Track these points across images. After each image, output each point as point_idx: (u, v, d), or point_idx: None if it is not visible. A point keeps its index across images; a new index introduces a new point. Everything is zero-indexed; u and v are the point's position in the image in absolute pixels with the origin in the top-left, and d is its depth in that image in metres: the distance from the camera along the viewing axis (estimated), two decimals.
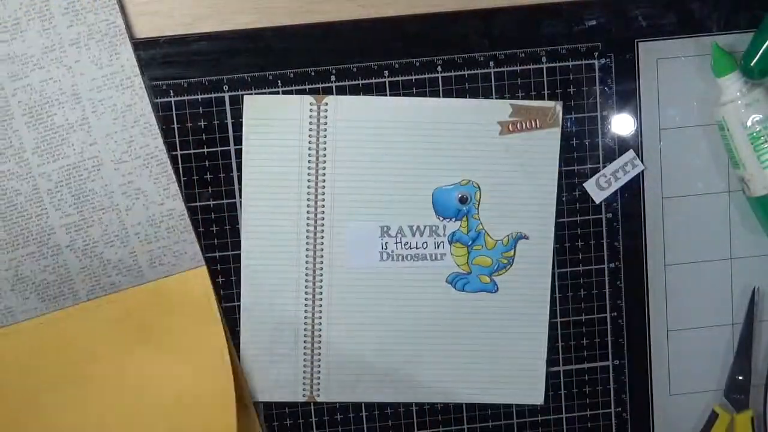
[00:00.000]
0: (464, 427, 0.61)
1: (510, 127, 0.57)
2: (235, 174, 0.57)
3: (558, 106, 0.57)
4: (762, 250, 0.61)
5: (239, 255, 0.58)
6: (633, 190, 0.60)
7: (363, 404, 0.60)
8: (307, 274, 0.57)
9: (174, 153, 0.57)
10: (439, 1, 0.57)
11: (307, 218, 0.56)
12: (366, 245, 0.57)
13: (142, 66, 0.56)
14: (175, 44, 0.56)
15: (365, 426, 0.60)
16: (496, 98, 0.57)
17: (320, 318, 0.58)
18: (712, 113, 0.59)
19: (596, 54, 0.59)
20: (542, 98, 0.58)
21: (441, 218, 0.58)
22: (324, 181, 0.56)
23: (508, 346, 0.59)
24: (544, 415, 0.61)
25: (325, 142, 0.55)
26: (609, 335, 0.61)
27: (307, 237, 0.56)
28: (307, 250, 0.57)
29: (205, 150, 0.57)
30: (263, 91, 0.57)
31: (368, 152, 0.56)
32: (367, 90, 0.57)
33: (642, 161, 0.59)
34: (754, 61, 0.57)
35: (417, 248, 0.57)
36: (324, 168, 0.56)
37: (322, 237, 0.57)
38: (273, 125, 0.56)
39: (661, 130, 0.59)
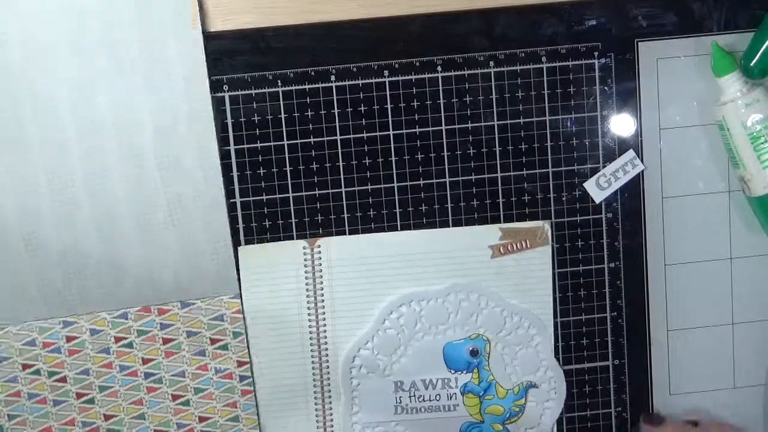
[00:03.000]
0: None
1: (501, 249, 0.58)
2: (235, 174, 0.57)
3: (546, 225, 0.58)
4: (762, 250, 0.61)
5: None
6: (633, 190, 0.60)
7: None
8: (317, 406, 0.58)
9: None
10: (439, 1, 0.57)
11: (314, 381, 0.57)
12: (380, 401, 0.58)
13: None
14: None
15: None
16: (484, 223, 0.58)
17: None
18: (712, 113, 0.59)
19: (596, 54, 0.59)
20: (542, 99, 0.58)
21: (452, 371, 0.58)
22: (325, 324, 0.57)
23: None
24: None
25: (322, 289, 0.56)
26: (609, 335, 0.61)
27: (315, 396, 0.57)
28: (316, 408, 0.58)
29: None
30: (263, 90, 0.57)
31: (379, 317, 0.58)
32: (367, 89, 0.57)
33: (642, 161, 0.59)
34: (754, 61, 0.57)
35: (430, 401, 0.59)
36: (323, 307, 0.57)
37: (330, 398, 0.58)
38: (270, 273, 0.56)
39: (661, 130, 0.59)
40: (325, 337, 0.56)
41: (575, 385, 0.61)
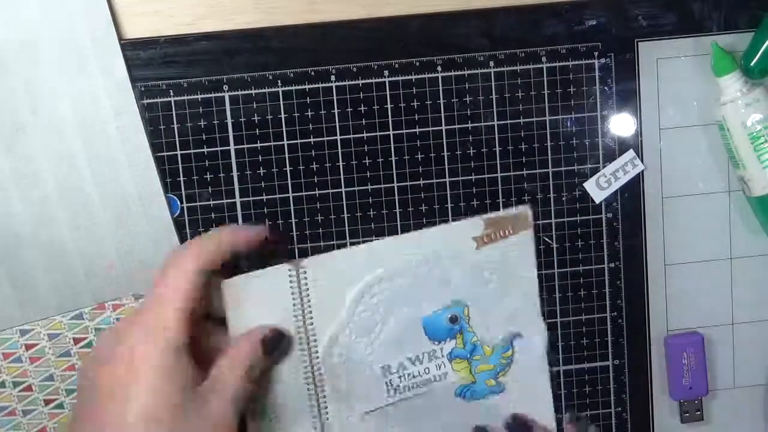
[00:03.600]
0: None
1: (485, 239, 0.58)
2: (235, 174, 0.58)
3: (528, 210, 0.58)
4: (762, 250, 0.61)
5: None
6: (633, 190, 0.60)
7: None
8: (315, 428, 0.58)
9: (174, 153, 0.57)
10: (439, 1, 0.57)
11: (305, 374, 0.56)
12: (371, 387, 0.58)
13: (143, 66, 0.56)
14: (175, 44, 0.56)
15: None
16: (464, 217, 0.57)
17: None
18: (712, 113, 0.59)
19: (596, 54, 0.59)
20: (542, 99, 0.58)
21: (436, 342, 0.58)
22: (315, 339, 0.56)
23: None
24: None
25: (310, 307, 0.56)
26: (609, 335, 0.61)
27: (308, 391, 0.57)
28: (311, 406, 0.57)
29: (205, 150, 0.57)
30: (263, 90, 0.57)
31: (351, 302, 0.57)
32: (367, 89, 0.57)
33: (642, 161, 0.59)
34: (754, 61, 0.57)
35: (420, 376, 0.58)
36: (313, 327, 0.56)
37: (324, 390, 0.57)
38: (256, 303, 0.54)
39: (661, 130, 0.59)
40: (317, 353, 0.56)
41: (575, 385, 0.61)
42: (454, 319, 0.58)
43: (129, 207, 0.56)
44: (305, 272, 0.55)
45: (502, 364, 0.59)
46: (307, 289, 0.55)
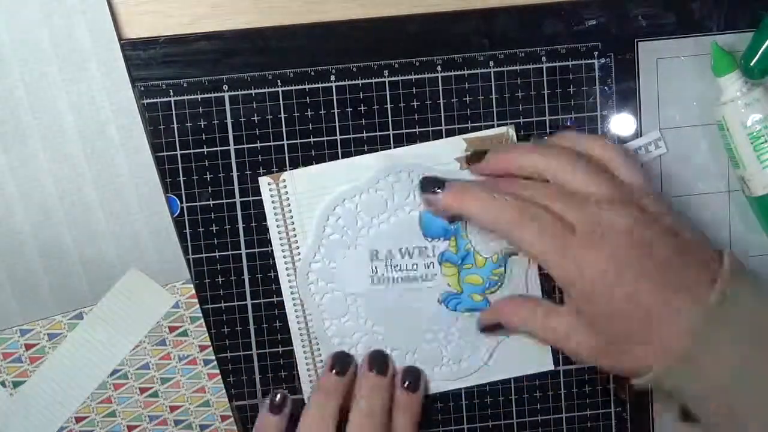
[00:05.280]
0: (464, 427, 0.61)
1: (468, 160, 0.57)
2: (235, 174, 0.58)
3: (510, 130, 0.58)
4: (762, 250, 0.61)
5: (240, 254, 0.58)
6: None
7: None
8: (301, 331, 0.58)
9: (174, 153, 0.57)
10: (438, 1, 0.57)
11: (284, 255, 0.58)
12: (356, 270, 0.58)
13: (143, 66, 0.56)
14: (175, 44, 0.56)
15: None
16: (449, 136, 0.58)
17: (318, 346, 0.59)
18: (712, 113, 0.59)
19: (596, 54, 0.59)
20: (542, 99, 0.58)
21: (429, 239, 0.58)
22: (298, 247, 0.57)
23: (504, 351, 0.60)
24: (544, 415, 0.61)
25: (291, 216, 0.57)
26: None
27: (293, 298, 0.58)
28: (296, 310, 0.58)
29: (205, 150, 0.57)
30: (263, 90, 0.57)
31: (336, 211, 0.57)
32: (367, 90, 0.57)
33: (642, 161, 0.59)
34: (754, 60, 0.57)
35: (407, 270, 0.58)
36: (296, 236, 0.57)
37: (308, 273, 0.58)
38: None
39: (661, 130, 0.59)
40: (299, 234, 0.57)
41: (575, 385, 0.61)
42: (453, 219, 0.57)
43: (129, 208, 0.56)
44: (285, 184, 0.56)
45: (492, 280, 0.58)
46: (288, 200, 0.56)
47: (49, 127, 0.55)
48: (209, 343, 0.58)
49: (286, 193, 0.57)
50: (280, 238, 0.57)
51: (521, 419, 0.61)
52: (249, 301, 0.59)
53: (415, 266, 0.57)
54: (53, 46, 0.54)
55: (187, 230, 0.58)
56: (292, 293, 0.58)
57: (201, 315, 0.58)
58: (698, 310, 0.46)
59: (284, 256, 0.57)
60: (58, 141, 0.55)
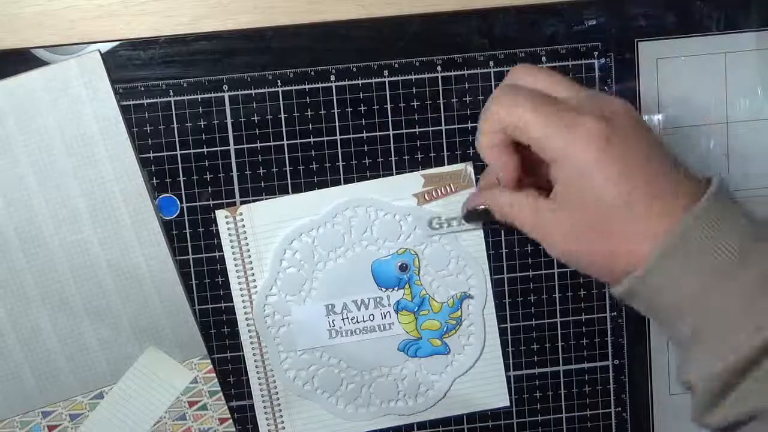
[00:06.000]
0: (464, 426, 0.61)
1: (426, 196, 0.58)
2: (235, 174, 0.58)
3: (469, 167, 0.58)
4: None
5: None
6: None
7: None
8: (257, 364, 0.59)
9: (174, 153, 0.57)
10: (438, 1, 0.57)
11: (242, 297, 0.58)
12: (313, 326, 0.58)
13: (143, 66, 0.56)
14: (175, 44, 0.56)
15: None
16: (406, 172, 0.58)
17: (278, 401, 0.59)
18: (711, 113, 0.58)
19: (596, 54, 0.59)
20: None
21: (383, 289, 0.58)
22: (254, 280, 0.58)
23: (464, 391, 0.60)
24: (544, 414, 0.61)
25: (248, 249, 0.57)
26: (609, 335, 0.61)
27: (249, 330, 0.58)
28: (252, 343, 0.59)
29: (205, 150, 0.57)
30: (263, 90, 0.57)
31: (293, 245, 0.58)
32: (367, 89, 0.57)
33: None
34: None
35: (364, 321, 0.58)
36: (252, 269, 0.58)
37: (268, 326, 0.58)
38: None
39: (661, 130, 0.59)
40: (255, 286, 0.58)
41: (575, 385, 0.61)
42: (403, 268, 0.58)
43: (144, 288, 0.57)
44: (241, 217, 0.56)
45: (450, 324, 0.59)
46: (245, 234, 0.57)
47: (61, 212, 0.56)
48: (229, 416, 0.59)
49: (243, 226, 0.57)
50: (237, 271, 0.58)
51: (521, 419, 0.61)
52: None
53: (371, 317, 0.58)
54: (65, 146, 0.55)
55: (187, 230, 0.58)
56: (248, 325, 0.58)
57: (219, 388, 0.58)
58: (687, 216, 0.44)
59: (240, 289, 0.58)
60: (71, 225, 0.56)
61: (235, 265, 0.58)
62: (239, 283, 0.58)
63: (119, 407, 0.57)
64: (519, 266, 0.60)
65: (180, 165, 0.57)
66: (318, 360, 0.59)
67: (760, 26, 0.59)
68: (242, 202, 0.58)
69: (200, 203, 0.58)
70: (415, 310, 0.58)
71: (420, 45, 0.58)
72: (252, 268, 0.58)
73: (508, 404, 0.60)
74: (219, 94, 0.57)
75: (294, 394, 0.59)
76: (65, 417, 0.57)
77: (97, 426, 0.57)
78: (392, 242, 0.58)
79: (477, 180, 0.58)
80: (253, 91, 0.57)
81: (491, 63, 0.58)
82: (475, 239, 0.59)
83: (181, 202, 0.58)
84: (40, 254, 0.56)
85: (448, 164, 0.58)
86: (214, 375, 0.58)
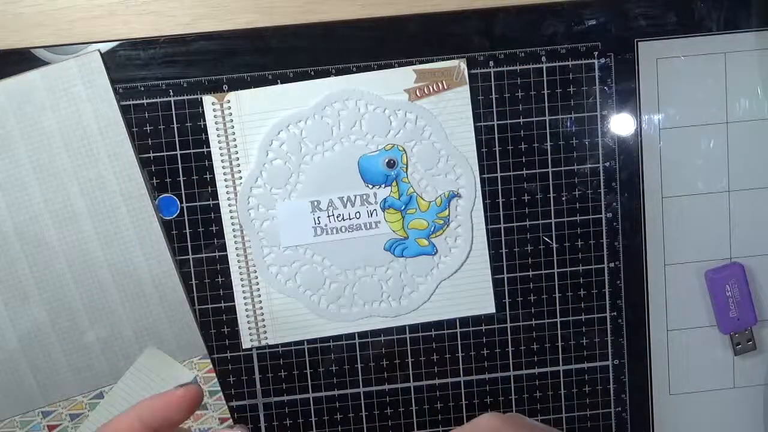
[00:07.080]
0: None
1: (417, 92, 0.57)
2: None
3: (462, 64, 0.57)
4: (762, 250, 0.61)
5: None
6: (633, 190, 0.60)
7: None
8: (239, 259, 0.57)
9: (174, 153, 0.57)
10: (438, 0, 0.57)
11: (229, 205, 0.57)
12: (298, 222, 0.57)
13: (143, 66, 0.56)
14: (175, 44, 0.56)
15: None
16: (401, 65, 0.57)
17: (260, 297, 0.58)
18: (711, 113, 0.58)
19: (596, 54, 0.59)
20: (542, 99, 0.58)
21: (370, 186, 0.57)
22: (240, 171, 0.57)
23: (453, 292, 0.59)
24: (544, 414, 0.61)
25: (234, 138, 0.56)
26: (609, 335, 0.61)
27: (233, 223, 0.57)
28: (235, 236, 0.57)
29: (205, 150, 0.57)
30: (263, 90, 0.57)
31: (280, 136, 0.57)
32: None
33: (642, 161, 0.59)
34: None
35: (350, 219, 0.57)
36: (238, 160, 0.56)
37: (253, 222, 0.57)
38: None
39: (661, 130, 0.59)
40: (240, 175, 0.57)
41: (575, 385, 0.61)
42: (391, 164, 0.57)
43: (143, 288, 0.57)
44: (229, 105, 0.55)
45: (437, 224, 0.58)
46: (232, 122, 0.56)
47: (61, 212, 0.56)
48: (229, 416, 0.59)
49: (230, 114, 0.56)
50: (222, 161, 0.56)
51: None
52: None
53: (357, 214, 0.57)
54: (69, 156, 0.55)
55: (187, 230, 0.58)
56: (231, 218, 0.57)
57: (219, 388, 0.59)
58: None
59: (225, 180, 0.56)
60: (71, 225, 0.56)
61: (221, 155, 0.56)
62: (224, 174, 0.56)
63: (119, 407, 0.57)
64: (519, 266, 0.60)
65: (180, 165, 0.57)
66: (302, 256, 0.57)
67: (760, 26, 0.59)
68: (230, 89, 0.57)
69: (200, 203, 0.58)
70: (402, 208, 0.57)
71: (420, 45, 0.58)
72: (238, 159, 0.56)
73: (494, 311, 0.60)
74: (219, 94, 0.57)
75: (276, 291, 0.58)
76: (65, 417, 0.57)
77: (97, 426, 0.57)
78: (381, 137, 0.57)
79: (470, 78, 0.57)
80: (252, 89, 0.57)
81: (491, 63, 0.58)
82: (465, 138, 0.58)
83: (181, 202, 0.58)
84: (40, 254, 0.56)
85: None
86: (214, 375, 0.58)
